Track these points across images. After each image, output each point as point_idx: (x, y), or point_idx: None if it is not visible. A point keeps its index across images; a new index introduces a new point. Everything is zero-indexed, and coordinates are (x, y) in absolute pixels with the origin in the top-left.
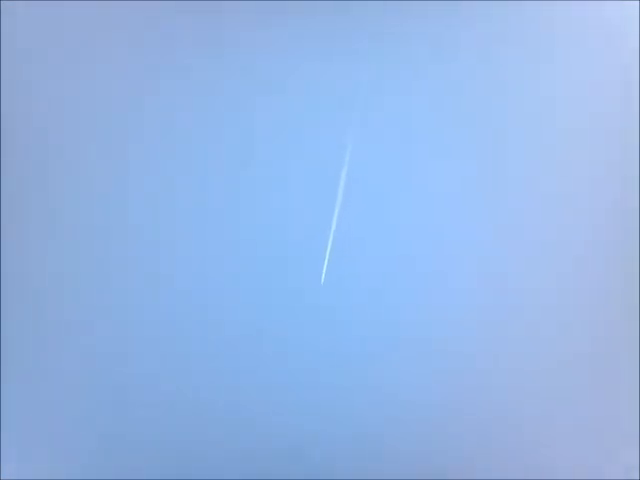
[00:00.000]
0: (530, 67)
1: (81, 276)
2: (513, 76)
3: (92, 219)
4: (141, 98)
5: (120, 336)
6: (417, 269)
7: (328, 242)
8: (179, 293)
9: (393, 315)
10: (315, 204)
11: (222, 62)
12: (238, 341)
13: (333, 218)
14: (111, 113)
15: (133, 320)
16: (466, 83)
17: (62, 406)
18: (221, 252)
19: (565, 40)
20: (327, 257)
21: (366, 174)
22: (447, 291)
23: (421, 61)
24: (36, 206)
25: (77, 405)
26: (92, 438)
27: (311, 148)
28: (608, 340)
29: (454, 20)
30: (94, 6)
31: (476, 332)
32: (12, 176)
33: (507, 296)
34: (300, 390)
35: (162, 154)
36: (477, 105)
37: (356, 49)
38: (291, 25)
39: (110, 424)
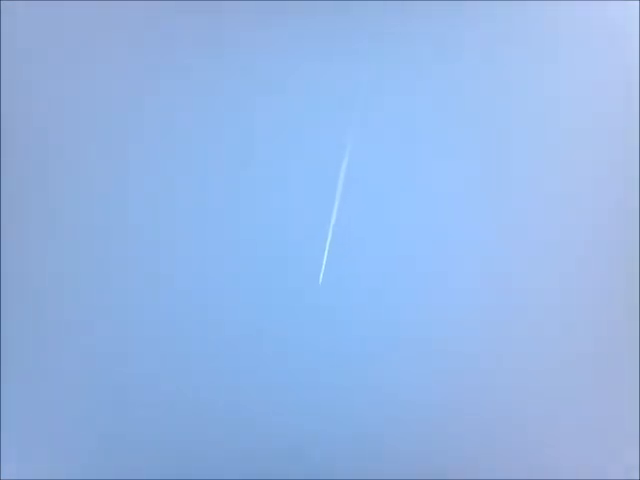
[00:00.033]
0: (532, 67)
1: (81, 276)
2: (515, 76)
3: (92, 219)
4: (141, 98)
5: (120, 336)
6: (418, 269)
7: (327, 242)
8: (179, 293)
9: (393, 315)
10: (315, 204)
11: (222, 62)
12: (238, 341)
13: (332, 218)
14: (111, 113)
15: (133, 320)
16: (467, 83)
17: (62, 406)
18: (221, 252)
19: (567, 40)
20: (326, 257)
21: (366, 174)
22: (448, 291)
23: (421, 61)
24: (36, 206)
25: (77, 405)
26: (92, 438)
27: (311, 148)
28: (610, 340)
29: (455, 20)
30: (94, 6)
31: (478, 332)
32: (12, 176)
33: (509, 296)
34: (300, 390)
35: (162, 154)
36: (478, 105)
37: (356, 49)
38: (291, 25)
39: (110, 424)
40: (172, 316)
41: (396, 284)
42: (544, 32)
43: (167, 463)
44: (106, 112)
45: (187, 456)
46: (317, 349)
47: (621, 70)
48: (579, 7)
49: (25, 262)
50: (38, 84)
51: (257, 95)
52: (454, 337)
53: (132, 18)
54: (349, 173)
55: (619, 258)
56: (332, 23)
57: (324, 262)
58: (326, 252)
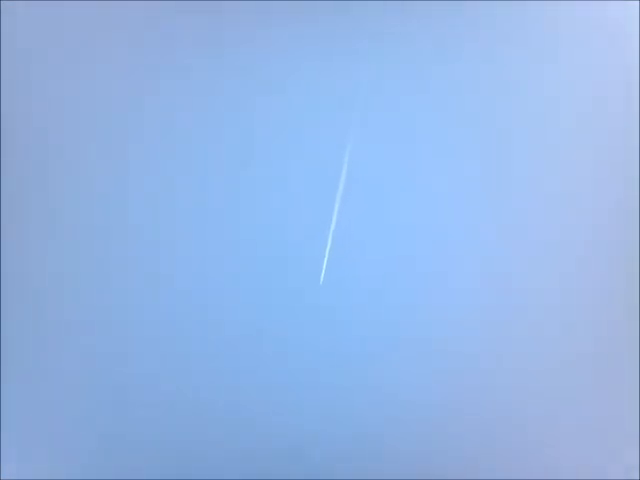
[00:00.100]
0: (532, 67)
1: (81, 276)
2: (515, 76)
3: (92, 219)
4: (141, 98)
5: (120, 336)
6: (418, 269)
7: (328, 242)
8: (179, 293)
9: (393, 315)
10: (315, 204)
11: (222, 62)
12: (238, 341)
13: (333, 218)
14: (111, 113)
15: (133, 320)
16: (467, 83)
17: (62, 406)
18: (221, 252)
19: (567, 40)
20: (327, 257)
21: (366, 174)
22: (449, 291)
23: (421, 61)
24: (36, 206)
25: (77, 405)
26: (92, 438)
27: (311, 148)
28: (610, 340)
29: (455, 20)
30: (94, 6)
31: (478, 332)
32: (12, 176)
33: (509, 296)
34: (300, 390)
35: (162, 154)
36: (478, 105)
37: (356, 49)
38: (291, 25)
39: (110, 424)
40: (172, 316)
41: (396, 284)
42: (544, 32)
43: (167, 463)
44: (106, 112)
45: (187, 456)
46: (317, 349)
47: (621, 70)
48: (579, 7)
49: (25, 262)
50: (38, 84)
51: (257, 95)
52: (454, 337)
53: (132, 18)
54: (349, 173)
55: (619, 258)
56: (332, 23)
57: (324, 262)
58: (326, 252)
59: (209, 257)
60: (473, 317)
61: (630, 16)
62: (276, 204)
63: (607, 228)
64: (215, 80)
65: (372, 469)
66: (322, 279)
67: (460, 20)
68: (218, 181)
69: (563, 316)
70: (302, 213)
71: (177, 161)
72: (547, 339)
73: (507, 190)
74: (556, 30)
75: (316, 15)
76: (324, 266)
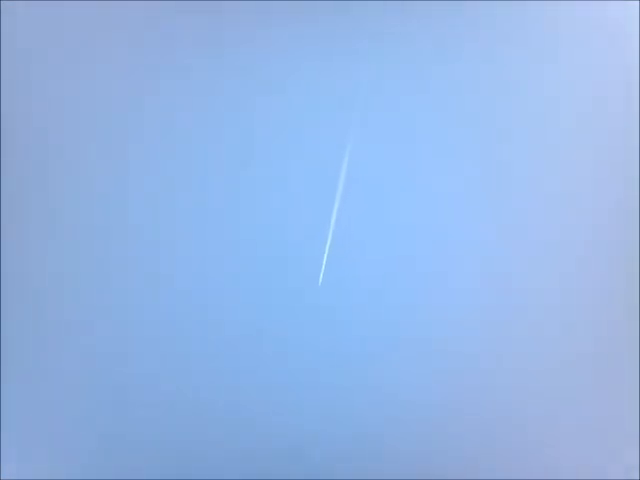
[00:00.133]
0: (532, 67)
1: (81, 276)
2: (515, 76)
3: (92, 219)
4: (141, 98)
5: (120, 336)
6: (418, 269)
7: (327, 242)
8: (179, 293)
9: (393, 315)
10: (315, 204)
11: (222, 62)
12: (238, 341)
13: (332, 218)
14: (111, 113)
15: (133, 320)
16: (467, 83)
17: (62, 406)
18: (221, 252)
19: (567, 40)
20: (326, 257)
21: (366, 174)
22: (449, 291)
23: (421, 61)
24: (36, 206)
25: (77, 405)
26: (92, 438)
27: (311, 148)
28: (610, 340)
29: (455, 20)
30: (94, 6)
31: (478, 332)
32: (12, 176)
33: (509, 296)
34: (300, 390)
35: (162, 154)
36: (478, 105)
37: (356, 49)
38: (291, 25)
39: (110, 424)
40: (172, 316)
41: (396, 284)
42: (544, 32)
43: (167, 463)
44: (106, 112)
45: (187, 456)
46: (317, 349)
47: (621, 70)
48: (579, 7)
49: (25, 262)
50: (38, 84)
51: (257, 95)
52: (454, 337)
53: (132, 18)
54: (349, 173)
55: (619, 258)
56: (332, 23)
57: (324, 262)
58: (326, 252)
59: (209, 257)
60: (473, 317)
61: (630, 16)
62: (276, 204)
63: (607, 228)
64: (215, 80)
65: (372, 469)
66: (321, 279)
67: (460, 20)
68: (218, 181)
69: (563, 316)
70: (302, 213)
71: (177, 161)
72: (547, 339)
73: (507, 190)
74: (556, 30)
75: (316, 15)
76: (323, 266)
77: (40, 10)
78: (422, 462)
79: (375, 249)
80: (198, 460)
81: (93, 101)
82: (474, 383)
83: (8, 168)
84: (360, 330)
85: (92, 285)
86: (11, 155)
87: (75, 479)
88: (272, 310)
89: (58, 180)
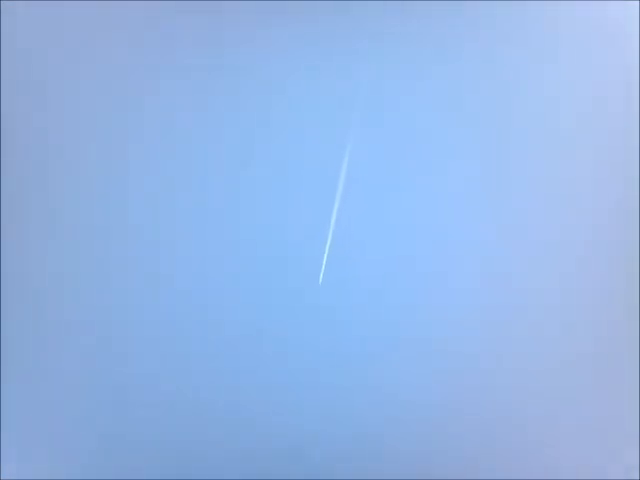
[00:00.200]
0: (532, 67)
1: (81, 276)
2: (515, 76)
3: (92, 219)
4: (141, 98)
5: (120, 336)
6: (418, 269)
7: (327, 242)
8: (179, 293)
9: (393, 315)
10: (315, 204)
11: (222, 62)
12: (238, 341)
13: (332, 218)
14: (111, 113)
15: (133, 320)
16: (467, 83)
17: (62, 406)
18: (221, 252)
19: (567, 40)
20: (326, 257)
21: (366, 174)
22: (449, 291)
23: (421, 61)
24: (36, 206)
25: (77, 405)
26: (92, 438)
27: (311, 148)
28: (610, 340)
29: (455, 20)
30: (94, 6)
31: (478, 332)
32: (12, 176)
33: (509, 296)
34: (300, 390)
35: (162, 154)
36: (478, 105)
37: (356, 49)
38: (291, 25)
39: (110, 424)
40: (172, 316)
41: (396, 284)
42: (544, 32)
43: (167, 463)
44: (106, 112)
45: (187, 456)
46: (317, 349)
47: (621, 70)
48: (579, 7)
49: (25, 262)
50: (38, 84)
51: (257, 95)
52: (454, 337)
53: (132, 18)
54: (349, 173)
55: (619, 258)
56: (332, 23)
57: (324, 262)
58: (326, 252)
59: (209, 257)
60: (473, 317)
61: (630, 16)
62: (276, 204)
63: (607, 228)
64: (215, 80)
65: (372, 469)
66: (321, 279)
67: (460, 20)
68: (218, 181)
69: (563, 316)
70: (302, 213)
71: (177, 161)
72: (547, 339)
73: (507, 190)
74: (556, 30)
75: (316, 15)
76: (323, 266)
77: (40, 10)
78: (422, 462)
79: (375, 249)
80: (198, 460)
81: (93, 101)
82: (474, 383)
83: (8, 168)
84: (360, 330)
85: (92, 285)
86: (11, 155)
87: (75, 479)
88: (272, 310)
89: (58, 180)
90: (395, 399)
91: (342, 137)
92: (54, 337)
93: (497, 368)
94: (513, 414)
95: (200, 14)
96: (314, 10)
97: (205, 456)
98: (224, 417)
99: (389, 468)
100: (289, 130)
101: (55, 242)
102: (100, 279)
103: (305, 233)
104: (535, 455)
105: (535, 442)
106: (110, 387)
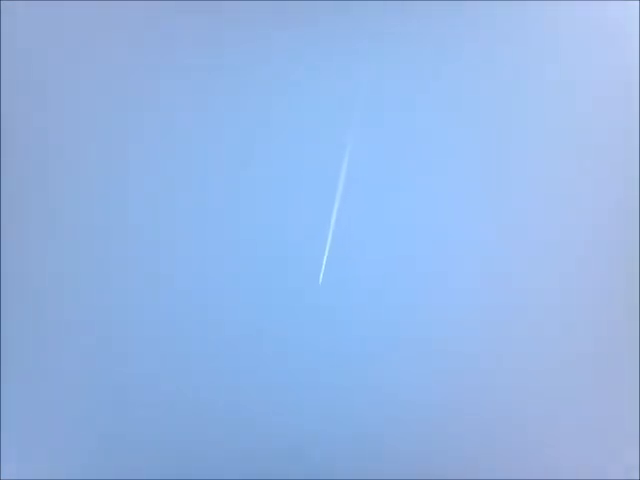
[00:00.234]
0: (532, 67)
1: (81, 276)
2: (515, 76)
3: (92, 219)
4: (141, 98)
5: (120, 336)
6: (418, 269)
7: (327, 242)
8: (179, 293)
9: (393, 315)
10: (315, 204)
11: (222, 62)
12: (238, 341)
13: (332, 218)
14: (111, 113)
15: (133, 320)
16: (467, 83)
17: (62, 406)
18: (221, 252)
19: (567, 40)
20: (326, 257)
21: (366, 174)
22: (448, 291)
23: (421, 61)
24: (36, 206)
25: (77, 405)
26: (92, 438)
27: (311, 148)
28: (610, 340)
29: (455, 20)
30: (94, 6)
31: (478, 332)
32: (12, 176)
33: (509, 296)
34: (300, 390)
35: (162, 154)
36: (478, 105)
37: (356, 49)
38: (291, 25)
39: (110, 424)
40: (172, 316)
41: (396, 284)
42: (544, 32)
43: (167, 463)
44: (106, 112)
45: (187, 456)
46: (317, 349)
47: (621, 70)
48: (579, 7)
49: (25, 262)
50: (38, 84)
51: (257, 95)
52: (454, 337)
53: (132, 18)
54: (349, 173)
55: (619, 258)
56: (332, 23)
57: (324, 262)
58: (326, 252)
59: (209, 257)
60: (473, 317)
61: (630, 16)
62: (276, 204)
63: (607, 228)
64: (215, 80)
65: (372, 469)
66: (321, 279)
67: (460, 20)
68: (218, 181)
69: (563, 316)
70: (302, 213)
71: (177, 161)
72: (547, 339)
73: (507, 190)
74: (556, 30)
75: (316, 15)
76: (323, 266)
77: (40, 10)
78: (422, 462)
79: (375, 249)
80: (198, 460)
81: (93, 101)
82: (474, 383)
83: (8, 168)
84: (360, 330)
85: (92, 285)
86: (11, 155)
87: (75, 479)
88: (272, 310)
89: (58, 180)
90: (395, 399)
91: (342, 137)
92: (54, 337)
93: (497, 368)
94: (513, 414)
95: (200, 14)
96: (314, 10)
97: (205, 456)
98: (224, 417)
99: (389, 468)
100: (289, 130)
101: (55, 242)
102: (100, 279)
103: (305, 233)
104: (535, 455)
105: (535, 442)
106: (110, 387)
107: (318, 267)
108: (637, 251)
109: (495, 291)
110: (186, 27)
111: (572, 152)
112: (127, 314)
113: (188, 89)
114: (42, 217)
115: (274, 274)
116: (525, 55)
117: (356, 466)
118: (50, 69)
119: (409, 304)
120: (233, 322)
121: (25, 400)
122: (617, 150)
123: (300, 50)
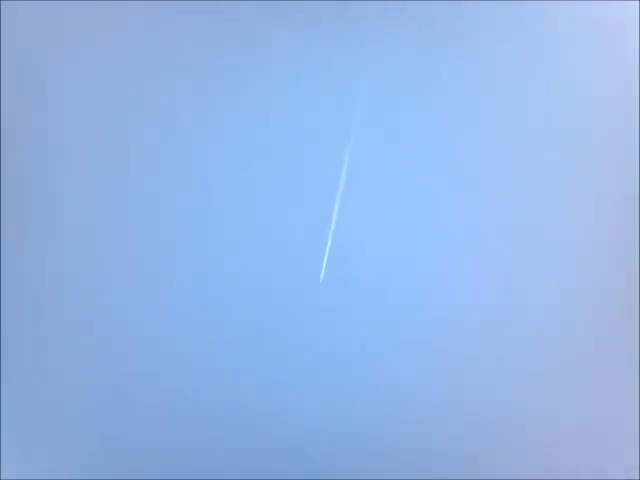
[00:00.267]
0: (532, 67)
1: (81, 276)
2: (515, 76)
3: (92, 219)
4: (141, 98)
5: (120, 336)
6: (418, 268)
7: (328, 242)
8: (179, 293)
9: (393, 315)
10: (315, 204)
11: (222, 62)
12: (238, 341)
13: (333, 218)
14: (111, 113)
15: (133, 320)
16: (467, 83)
17: (62, 406)
18: (221, 252)
19: (567, 40)
20: (327, 257)
21: (366, 174)
22: (448, 291)
23: (421, 61)
24: (36, 206)
25: (77, 405)
26: (92, 438)
27: (311, 148)
28: (610, 340)
29: (456, 20)
30: (94, 6)
31: (478, 332)
32: (12, 176)
33: (509, 296)
34: (300, 390)
35: (162, 154)
36: (478, 105)
37: (356, 49)
38: (291, 25)
39: (110, 424)
40: (172, 316)
41: (396, 284)
42: (544, 32)
43: (167, 463)
44: (106, 112)
45: (187, 456)
46: (317, 349)
47: (621, 70)
48: (579, 7)
49: (25, 262)
50: (38, 84)
51: (257, 95)
52: (454, 337)
53: (132, 18)
54: (349, 173)
55: (619, 258)
56: (332, 23)
57: (324, 262)
58: (326, 252)
59: (209, 257)
60: (473, 317)
61: (630, 16)
62: (276, 204)
63: (607, 228)
64: (215, 80)
65: (372, 469)
66: (322, 279)
67: (460, 20)
68: (218, 181)
69: (563, 316)
70: (302, 213)
71: (177, 161)
72: (547, 339)
73: (507, 190)
74: (556, 30)
75: (316, 15)
76: (324, 266)
77: (40, 10)
78: (422, 462)
79: (375, 249)
80: (198, 460)
81: (93, 101)
82: (474, 383)
83: (8, 168)
84: (360, 330)
85: (92, 285)
86: (11, 155)
87: (75, 479)
88: (272, 310)
89: (58, 180)
90: (395, 399)
91: (343, 137)
92: (54, 337)
93: (497, 368)
94: (513, 414)
95: (200, 14)
96: (314, 10)
97: (205, 456)
98: (224, 417)
99: (389, 468)
100: (289, 130)
101: (55, 242)
102: (100, 279)
103: (305, 233)
104: (535, 455)
105: (535, 442)
106: (110, 387)
107: (318, 267)
108: (637, 251)
109: (495, 291)
110: (186, 27)
111: (572, 152)
112: (127, 314)
113: (188, 89)
114: (42, 217)
115: (274, 274)
116: (525, 55)
117: (356, 466)
118: (50, 69)
119: (409, 304)
120: (233, 322)
121: (25, 400)
122: (617, 150)
123: (300, 50)
